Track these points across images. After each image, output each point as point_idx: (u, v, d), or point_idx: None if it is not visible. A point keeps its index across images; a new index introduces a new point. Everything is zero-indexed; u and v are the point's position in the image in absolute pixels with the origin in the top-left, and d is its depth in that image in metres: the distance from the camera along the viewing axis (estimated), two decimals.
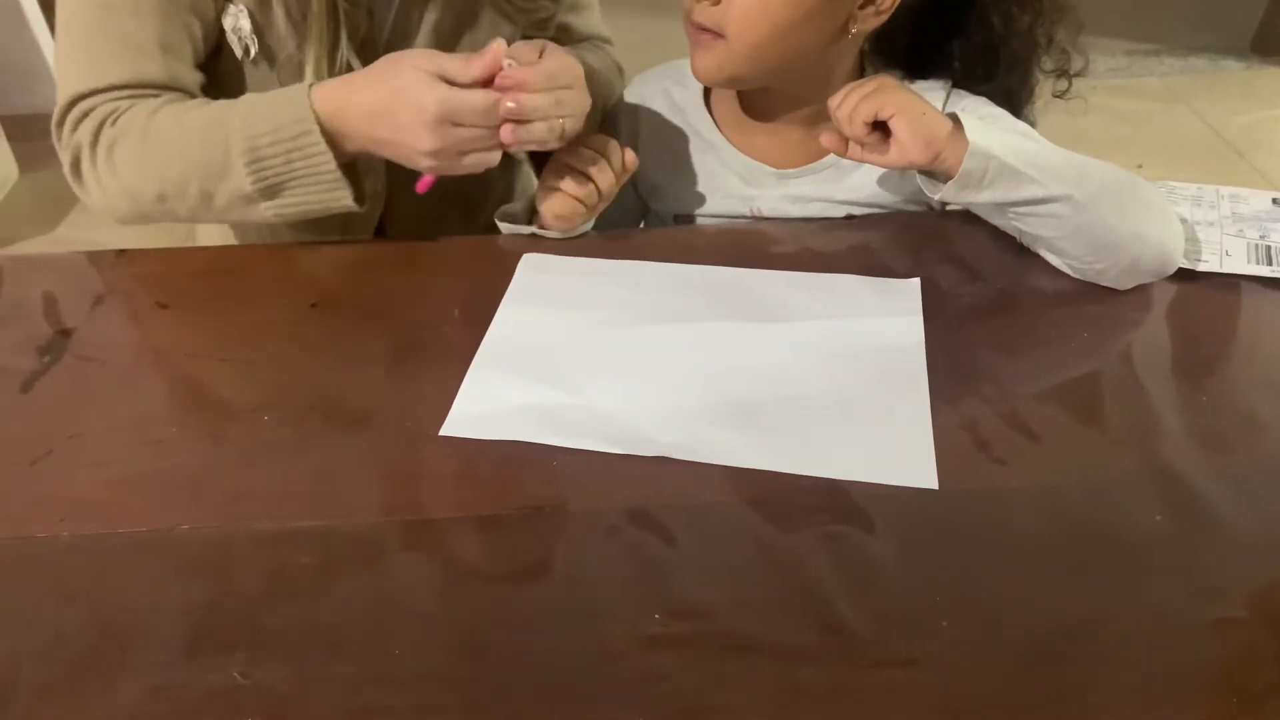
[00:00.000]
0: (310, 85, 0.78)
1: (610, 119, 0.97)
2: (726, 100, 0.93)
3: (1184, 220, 0.81)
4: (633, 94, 0.97)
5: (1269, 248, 0.80)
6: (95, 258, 0.88)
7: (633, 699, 0.51)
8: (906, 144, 0.77)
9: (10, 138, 2.34)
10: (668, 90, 0.95)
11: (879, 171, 0.88)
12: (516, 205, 0.90)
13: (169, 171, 0.80)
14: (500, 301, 0.79)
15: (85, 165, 0.82)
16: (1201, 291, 0.79)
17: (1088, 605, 0.55)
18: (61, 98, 0.82)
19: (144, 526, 0.61)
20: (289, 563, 0.59)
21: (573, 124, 0.78)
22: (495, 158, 0.77)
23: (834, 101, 0.80)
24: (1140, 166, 1.86)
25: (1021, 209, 0.78)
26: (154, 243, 0.90)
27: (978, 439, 0.66)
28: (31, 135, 2.19)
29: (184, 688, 0.52)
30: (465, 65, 0.74)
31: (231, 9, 0.84)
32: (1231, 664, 0.52)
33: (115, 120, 0.80)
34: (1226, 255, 0.80)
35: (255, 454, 0.67)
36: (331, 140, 0.77)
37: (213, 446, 0.68)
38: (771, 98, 0.89)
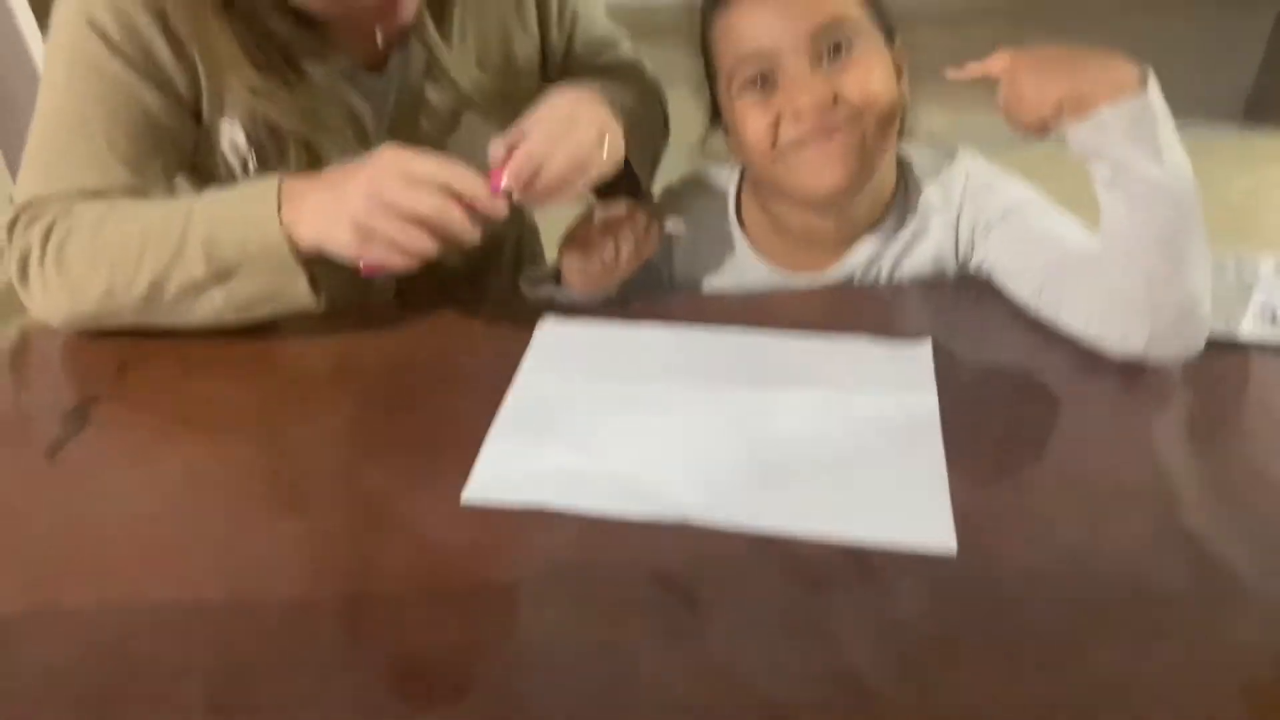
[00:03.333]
0: (284, 176, 0.77)
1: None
2: (757, 210, 0.94)
3: None
4: (671, 191, 0.99)
5: (1274, 311, 0.81)
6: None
7: None
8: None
9: None
10: (705, 193, 0.97)
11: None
12: (542, 270, 0.91)
13: (121, 259, 0.77)
14: (519, 365, 0.80)
15: (33, 266, 0.80)
16: (1212, 354, 0.79)
17: (1110, 667, 0.55)
18: (18, 199, 0.81)
19: (170, 593, 0.61)
20: (315, 629, 0.59)
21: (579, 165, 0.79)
22: (399, 260, 0.74)
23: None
24: None
25: (1137, 178, 0.75)
26: None
27: (995, 500, 0.66)
28: None
29: None
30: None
31: (224, 124, 0.85)
32: None
33: (68, 215, 0.79)
34: (1233, 320, 0.81)
35: (280, 522, 0.67)
36: (290, 228, 0.76)
37: (238, 514, 0.68)
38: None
